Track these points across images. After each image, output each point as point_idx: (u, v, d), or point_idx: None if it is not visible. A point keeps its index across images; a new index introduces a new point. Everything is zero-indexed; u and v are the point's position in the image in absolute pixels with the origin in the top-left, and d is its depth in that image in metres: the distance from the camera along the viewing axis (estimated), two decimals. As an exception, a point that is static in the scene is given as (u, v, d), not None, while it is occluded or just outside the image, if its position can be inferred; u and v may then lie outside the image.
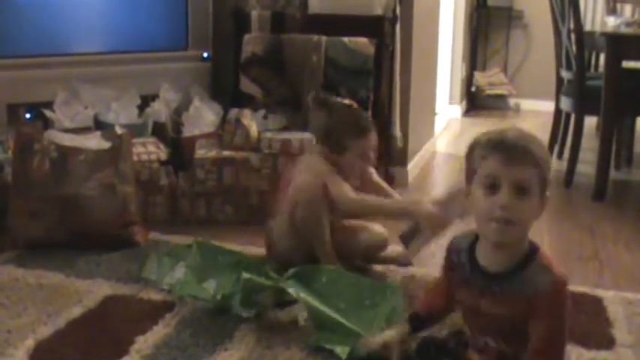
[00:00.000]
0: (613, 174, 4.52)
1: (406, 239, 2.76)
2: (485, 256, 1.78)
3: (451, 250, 1.88)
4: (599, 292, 2.75)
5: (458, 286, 1.87)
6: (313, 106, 2.66)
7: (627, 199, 4.32)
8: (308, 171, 2.76)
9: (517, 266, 1.73)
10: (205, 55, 4.22)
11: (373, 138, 2.85)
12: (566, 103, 4.73)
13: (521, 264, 1.73)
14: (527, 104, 7.53)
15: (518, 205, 1.62)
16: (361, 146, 2.80)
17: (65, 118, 3.48)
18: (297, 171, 2.81)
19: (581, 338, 2.33)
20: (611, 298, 2.70)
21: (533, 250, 1.75)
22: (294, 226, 2.75)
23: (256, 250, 3.09)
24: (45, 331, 2.31)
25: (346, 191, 2.70)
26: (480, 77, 7.61)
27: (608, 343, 2.35)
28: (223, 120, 3.74)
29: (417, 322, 2.03)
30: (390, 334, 2.05)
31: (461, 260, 1.84)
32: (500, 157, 1.63)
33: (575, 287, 2.74)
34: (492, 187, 1.64)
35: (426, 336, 2.04)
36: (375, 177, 2.98)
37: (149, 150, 3.52)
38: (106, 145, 3.15)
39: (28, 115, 3.56)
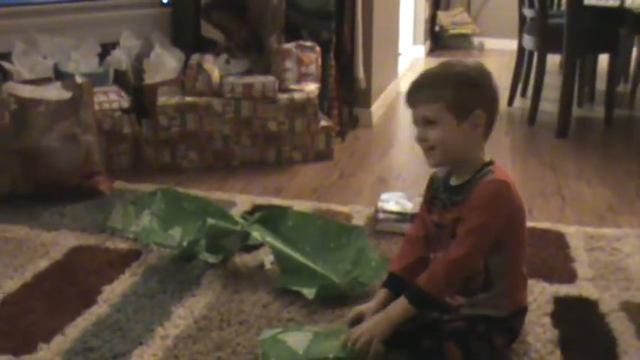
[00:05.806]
0: (576, 111, 4.56)
1: None
2: (452, 178, 1.95)
3: (432, 177, 2.04)
4: (562, 228, 2.80)
5: (430, 210, 2.00)
6: None
7: (589, 136, 4.36)
8: None
9: (472, 177, 1.87)
10: (165, 0, 4.15)
11: None
12: (528, 42, 4.74)
13: (476, 175, 1.86)
14: (491, 43, 7.53)
15: (430, 134, 1.84)
16: None
17: (24, 69, 3.42)
18: None
19: (544, 272, 2.39)
20: (573, 233, 2.75)
21: (488, 164, 1.88)
22: None
23: (221, 195, 3.10)
24: (12, 285, 2.30)
25: None
26: (443, 17, 7.59)
27: (570, 276, 2.40)
28: (185, 66, 3.71)
29: (395, 282, 2.03)
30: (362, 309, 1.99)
31: (437, 184, 1.99)
32: (406, 102, 1.91)
33: (538, 223, 2.80)
34: (415, 124, 1.90)
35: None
36: None
37: (111, 98, 3.49)
38: (66, 95, 3.11)
39: (-15, 68, 3.49)
